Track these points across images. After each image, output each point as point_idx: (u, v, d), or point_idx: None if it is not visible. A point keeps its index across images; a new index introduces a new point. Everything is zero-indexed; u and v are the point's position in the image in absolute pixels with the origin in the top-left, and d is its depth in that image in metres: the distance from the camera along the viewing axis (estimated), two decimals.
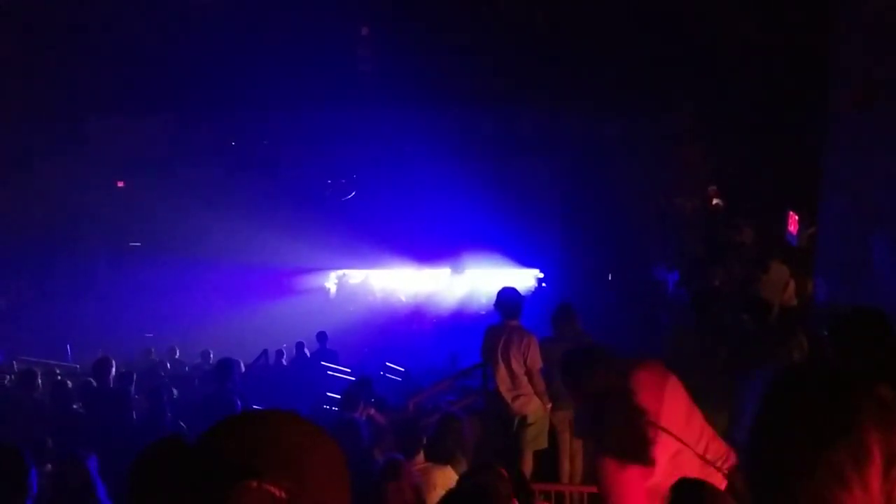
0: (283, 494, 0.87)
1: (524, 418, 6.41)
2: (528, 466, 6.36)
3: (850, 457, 1.04)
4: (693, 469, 3.09)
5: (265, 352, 11.93)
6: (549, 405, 6.50)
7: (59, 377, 8.09)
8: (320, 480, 0.92)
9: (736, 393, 5.38)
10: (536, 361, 6.36)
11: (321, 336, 11.82)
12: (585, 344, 4.03)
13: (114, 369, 7.33)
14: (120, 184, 16.37)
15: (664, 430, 3.12)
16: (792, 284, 8.07)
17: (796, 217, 9.94)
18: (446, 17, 11.71)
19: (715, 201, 12.11)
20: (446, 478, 4.50)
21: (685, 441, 3.17)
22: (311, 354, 11.73)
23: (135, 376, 7.74)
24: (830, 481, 1.04)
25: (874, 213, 7.04)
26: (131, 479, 1.00)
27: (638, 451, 3.03)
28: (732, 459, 3.20)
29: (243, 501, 0.86)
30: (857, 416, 1.06)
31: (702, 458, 3.21)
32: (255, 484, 0.86)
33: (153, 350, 12.89)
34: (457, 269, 17.53)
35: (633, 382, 3.28)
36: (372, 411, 6.46)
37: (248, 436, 0.92)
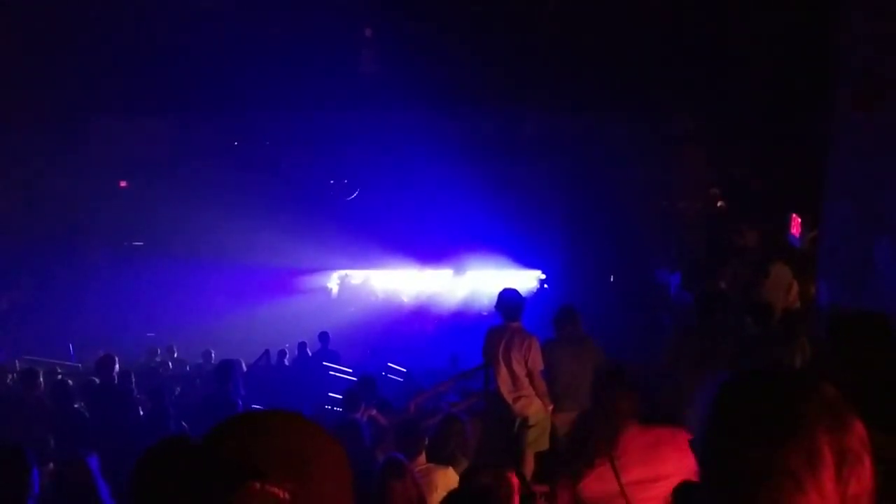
0: (286, 496, 0.87)
1: (525, 420, 6.41)
2: (529, 468, 6.35)
3: (802, 460, 1.03)
4: None
5: (267, 352, 11.94)
6: (551, 407, 6.50)
7: (60, 376, 8.09)
8: (324, 481, 0.91)
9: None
10: (538, 363, 6.36)
11: (323, 336, 11.82)
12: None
13: (117, 366, 7.35)
14: (123, 184, 16.39)
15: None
16: (795, 286, 8.06)
17: (799, 220, 9.93)
18: (450, 20, 11.71)
19: (718, 204, 12.11)
20: (448, 479, 4.49)
21: None
22: (312, 354, 11.73)
23: (133, 376, 7.75)
24: (785, 486, 1.03)
25: (877, 216, 7.03)
26: (135, 478, 1.00)
27: None
28: None
29: (246, 502, 0.85)
30: (805, 418, 1.06)
31: None
32: (257, 485, 0.86)
33: (159, 350, 12.90)
34: (459, 270, 17.52)
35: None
36: (373, 412, 6.46)
37: (251, 436, 0.92)
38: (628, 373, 3.78)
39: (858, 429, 1.07)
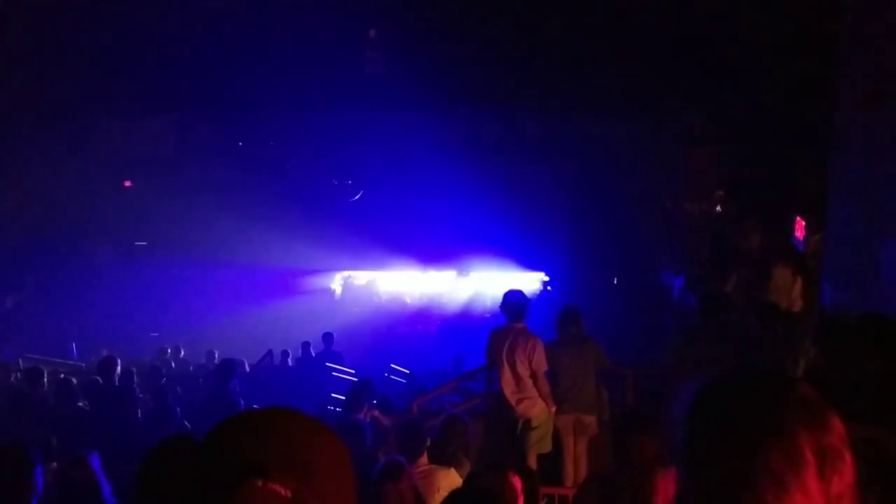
0: (289, 493, 0.86)
1: (528, 421, 6.40)
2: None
3: (784, 461, 1.03)
4: None
5: (270, 352, 11.95)
6: (554, 408, 6.49)
7: (63, 375, 8.11)
8: (327, 479, 0.91)
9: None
10: (541, 364, 6.35)
11: (327, 337, 11.83)
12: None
13: (119, 368, 7.36)
14: (127, 183, 16.42)
15: None
16: (798, 288, 8.04)
17: (803, 222, 9.90)
18: (455, 21, 11.70)
19: (722, 205, 12.09)
20: (450, 480, 4.49)
21: None
22: (316, 355, 11.74)
23: (135, 376, 7.76)
24: (769, 488, 1.03)
25: (883, 218, 7.00)
26: (139, 477, 0.99)
27: None
28: None
29: (248, 501, 0.85)
30: (784, 419, 1.05)
31: None
32: (260, 483, 0.86)
33: (169, 350, 12.92)
34: (462, 272, 17.52)
35: None
36: (376, 413, 6.46)
37: (254, 434, 0.92)
38: (648, 416, 3.66)
39: (837, 426, 1.07)
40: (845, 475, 1.05)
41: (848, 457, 1.06)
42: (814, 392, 1.09)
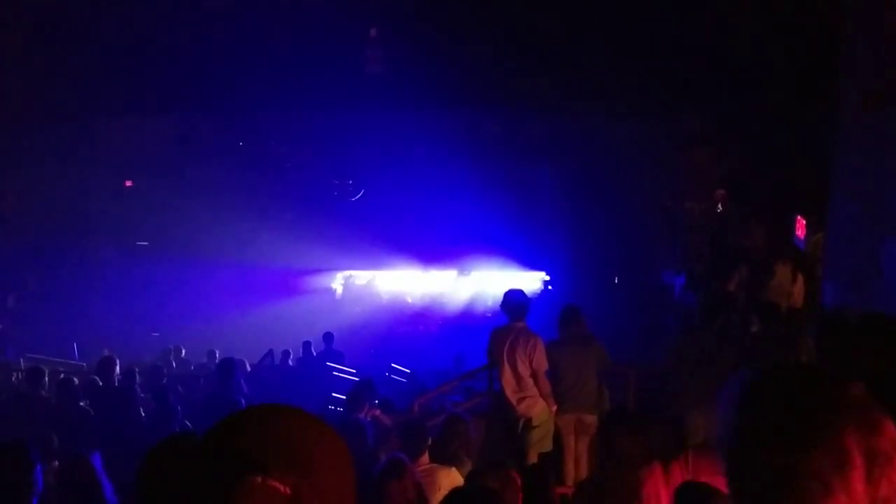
0: (288, 490, 0.86)
1: (529, 420, 6.40)
2: None
3: (831, 462, 1.01)
4: None
5: (271, 351, 11.95)
6: (555, 408, 6.49)
7: (64, 375, 8.11)
8: (326, 476, 0.91)
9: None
10: (542, 363, 6.35)
11: (328, 337, 11.82)
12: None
13: (118, 368, 7.37)
14: (128, 183, 16.43)
15: None
16: (798, 287, 8.04)
17: (804, 221, 9.90)
18: (455, 20, 11.70)
19: (723, 204, 12.08)
20: (451, 479, 4.49)
21: None
22: (316, 355, 11.74)
23: (137, 375, 7.77)
24: (813, 489, 1.01)
25: (884, 218, 7.00)
26: (140, 475, 1.00)
27: None
28: None
29: (247, 498, 0.85)
30: (834, 418, 1.03)
31: None
32: (259, 480, 0.86)
33: (172, 351, 12.92)
34: (463, 271, 17.52)
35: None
36: (377, 412, 6.46)
37: (253, 431, 0.92)
38: (634, 412, 3.67)
39: (889, 429, 1.04)
40: (894, 480, 1.02)
41: None
42: (866, 393, 1.06)
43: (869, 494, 1.01)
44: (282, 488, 0.86)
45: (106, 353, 9.32)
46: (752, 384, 1.12)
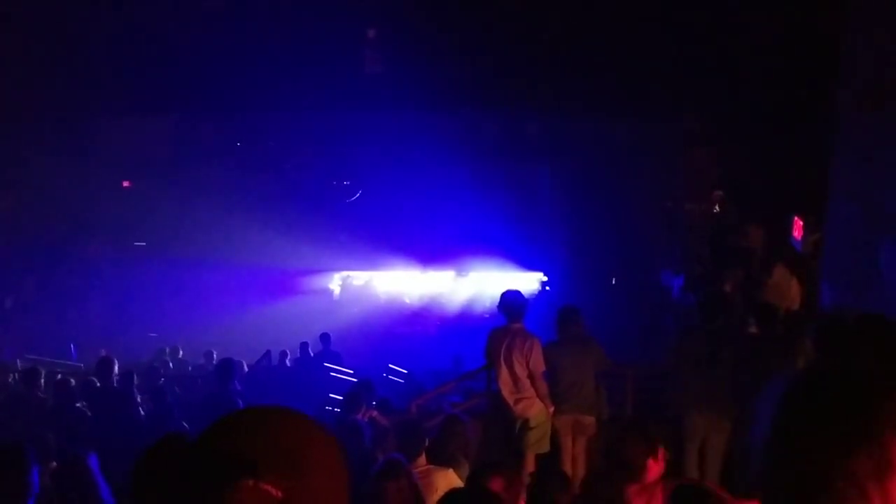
0: (280, 493, 0.86)
1: (526, 421, 6.39)
2: (529, 470, 6.33)
3: (870, 467, 0.99)
4: None
5: (268, 352, 11.93)
6: (552, 409, 6.49)
7: (61, 376, 8.09)
8: (319, 477, 0.90)
9: (748, 397, 5.32)
10: (539, 364, 6.34)
11: (324, 337, 11.81)
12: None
13: (116, 368, 7.35)
14: (126, 184, 16.41)
15: None
16: (795, 288, 8.04)
17: (801, 222, 9.89)
18: (453, 20, 11.70)
19: (721, 205, 12.08)
20: (448, 480, 4.48)
21: None
22: (314, 355, 11.72)
23: (135, 377, 7.75)
24: (849, 493, 0.99)
25: (882, 218, 7.00)
26: (134, 477, 0.99)
27: None
28: None
29: (239, 500, 0.84)
30: (877, 423, 1.01)
31: None
32: (251, 483, 0.85)
33: (167, 350, 12.91)
34: (461, 272, 17.51)
35: None
36: (374, 413, 6.44)
37: (246, 432, 0.91)
38: (647, 425, 3.63)
39: None
40: None
41: None
42: None
43: None
44: (273, 491, 0.85)
45: (103, 353, 9.30)
46: (796, 384, 1.10)
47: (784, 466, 1.05)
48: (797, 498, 1.03)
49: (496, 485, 3.33)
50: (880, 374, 1.09)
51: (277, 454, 0.88)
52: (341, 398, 6.99)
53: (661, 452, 3.34)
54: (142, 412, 7.32)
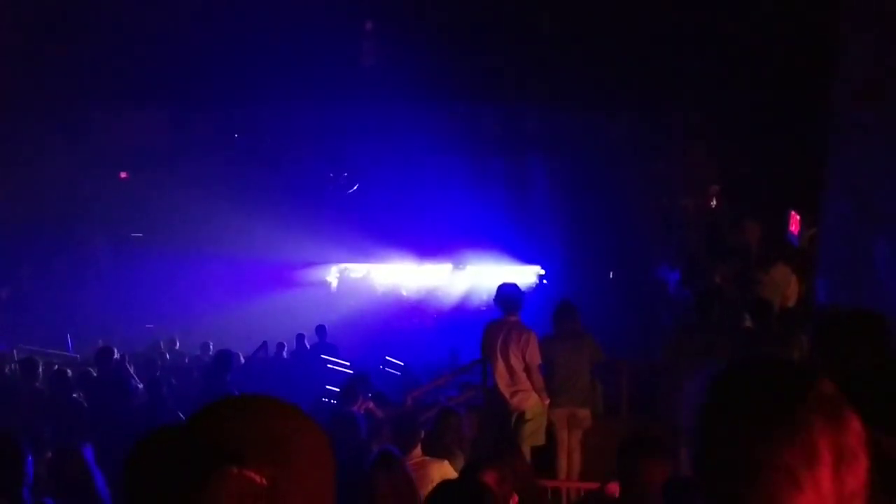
0: (264, 481, 0.86)
1: (522, 414, 6.42)
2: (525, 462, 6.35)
3: (800, 457, 1.01)
4: None
5: (265, 344, 11.94)
6: (548, 401, 6.51)
7: (57, 367, 8.10)
8: (304, 466, 0.91)
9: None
10: (535, 357, 6.36)
11: (320, 329, 11.82)
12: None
13: (116, 356, 7.36)
14: (122, 175, 16.37)
15: None
16: (793, 284, 8.06)
17: (798, 217, 9.91)
18: (451, 13, 11.68)
19: (716, 200, 12.09)
20: (443, 472, 4.50)
21: None
22: (310, 347, 11.74)
23: (128, 363, 7.76)
24: (783, 484, 1.01)
25: (877, 214, 7.02)
26: (125, 468, 0.99)
27: None
28: None
29: (223, 488, 0.85)
30: (803, 415, 1.02)
31: None
32: (234, 470, 0.85)
33: (162, 343, 12.90)
34: (458, 265, 17.52)
35: None
36: (370, 405, 6.46)
37: (232, 420, 0.92)
38: (657, 439, 3.59)
39: (855, 425, 1.05)
40: (859, 475, 1.03)
41: (863, 456, 1.03)
42: (835, 389, 1.06)
43: (836, 490, 1.01)
44: (258, 479, 0.86)
45: (101, 344, 9.31)
46: (721, 377, 1.11)
47: (716, 461, 1.06)
48: (732, 491, 1.04)
49: (489, 479, 3.34)
50: (801, 365, 1.10)
51: (262, 442, 0.89)
52: (337, 390, 7.01)
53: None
54: (134, 403, 7.32)
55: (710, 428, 1.08)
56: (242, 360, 10.70)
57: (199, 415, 0.93)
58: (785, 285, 8.03)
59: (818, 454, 1.01)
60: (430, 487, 4.17)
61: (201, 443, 0.88)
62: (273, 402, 0.95)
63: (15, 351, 11.08)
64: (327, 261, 17.98)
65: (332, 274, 18.70)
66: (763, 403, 1.05)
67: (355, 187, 16.31)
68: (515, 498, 3.62)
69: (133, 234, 16.78)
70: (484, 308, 14.37)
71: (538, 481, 5.56)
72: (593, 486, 5.89)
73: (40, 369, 7.42)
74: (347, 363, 10.57)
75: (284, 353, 12.03)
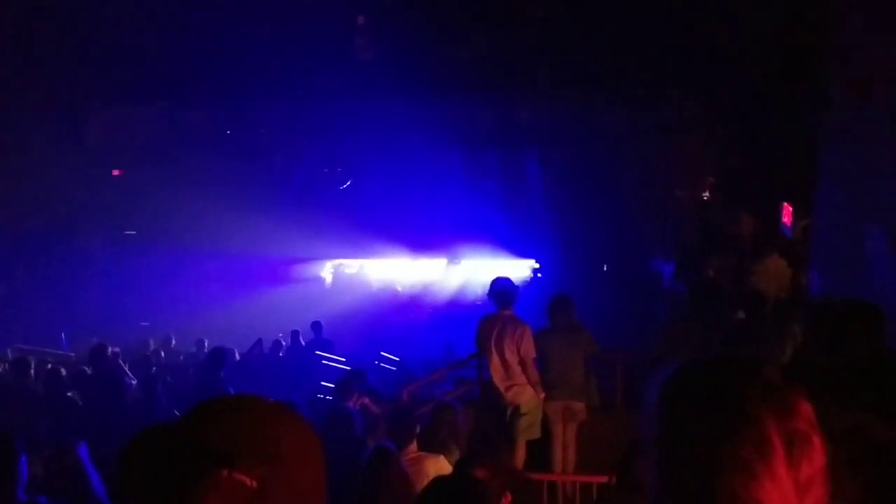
0: (254, 483, 0.86)
1: (517, 408, 6.43)
2: (521, 456, 6.38)
3: (752, 448, 1.02)
4: None
5: (260, 340, 11.92)
6: (543, 395, 6.52)
7: (51, 365, 8.09)
8: (295, 465, 0.91)
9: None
10: (530, 351, 6.37)
11: (316, 325, 11.81)
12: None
13: (110, 352, 7.35)
14: (116, 172, 16.31)
15: None
16: (786, 275, 8.09)
17: (791, 209, 9.94)
18: (443, 7, 11.65)
19: (710, 192, 12.12)
20: (438, 467, 4.50)
21: None
22: (305, 344, 11.72)
23: (122, 359, 7.75)
24: (738, 476, 1.02)
25: (869, 205, 7.04)
26: (118, 467, 0.99)
27: None
28: None
29: (212, 490, 0.85)
30: (751, 406, 1.04)
31: None
32: (224, 473, 0.85)
33: (152, 342, 12.87)
34: (453, 260, 17.51)
35: None
36: (366, 401, 6.46)
37: (222, 422, 0.91)
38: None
39: (804, 409, 1.06)
40: (814, 459, 1.04)
41: (816, 440, 1.05)
42: (778, 376, 1.08)
43: (792, 477, 1.02)
44: (248, 481, 0.86)
45: (95, 341, 9.28)
46: (674, 375, 1.13)
47: (671, 459, 1.07)
48: (690, 488, 1.05)
49: (481, 475, 3.34)
50: (744, 358, 1.12)
51: (252, 443, 0.89)
52: (333, 386, 7.01)
53: None
54: (128, 402, 7.31)
55: (665, 427, 1.10)
56: (238, 357, 10.69)
57: (189, 415, 0.93)
58: (779, 276, 8.06)
59: (770, 444, 1.03)
60: (425, 482, 4.18)
61: (191, 444, 0.88)
62: (263, 403, 0.95)
63: (9, 350, 11.04)
64: (322, 256, 17.96)
65: (327, 270, 18.68)
66: (711, 398, 1.07)
67: (349, 182, 16.28)
68: (509, 497, 3.62)
69: (127, 232, 16.73)
70: (479, 302, 14.38)
71: (529, 476, 5.58)
72: (589, 479, 5.91)
73: (32, 369, 7.40)
74: (343, 359, 10.56)
75: (281, 353, 12.01)
